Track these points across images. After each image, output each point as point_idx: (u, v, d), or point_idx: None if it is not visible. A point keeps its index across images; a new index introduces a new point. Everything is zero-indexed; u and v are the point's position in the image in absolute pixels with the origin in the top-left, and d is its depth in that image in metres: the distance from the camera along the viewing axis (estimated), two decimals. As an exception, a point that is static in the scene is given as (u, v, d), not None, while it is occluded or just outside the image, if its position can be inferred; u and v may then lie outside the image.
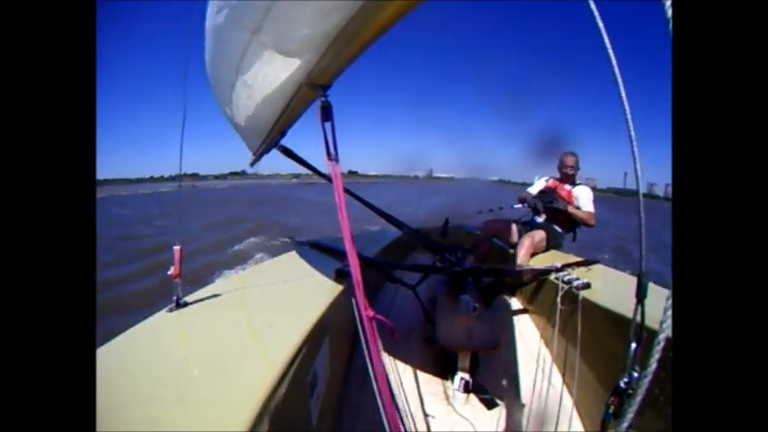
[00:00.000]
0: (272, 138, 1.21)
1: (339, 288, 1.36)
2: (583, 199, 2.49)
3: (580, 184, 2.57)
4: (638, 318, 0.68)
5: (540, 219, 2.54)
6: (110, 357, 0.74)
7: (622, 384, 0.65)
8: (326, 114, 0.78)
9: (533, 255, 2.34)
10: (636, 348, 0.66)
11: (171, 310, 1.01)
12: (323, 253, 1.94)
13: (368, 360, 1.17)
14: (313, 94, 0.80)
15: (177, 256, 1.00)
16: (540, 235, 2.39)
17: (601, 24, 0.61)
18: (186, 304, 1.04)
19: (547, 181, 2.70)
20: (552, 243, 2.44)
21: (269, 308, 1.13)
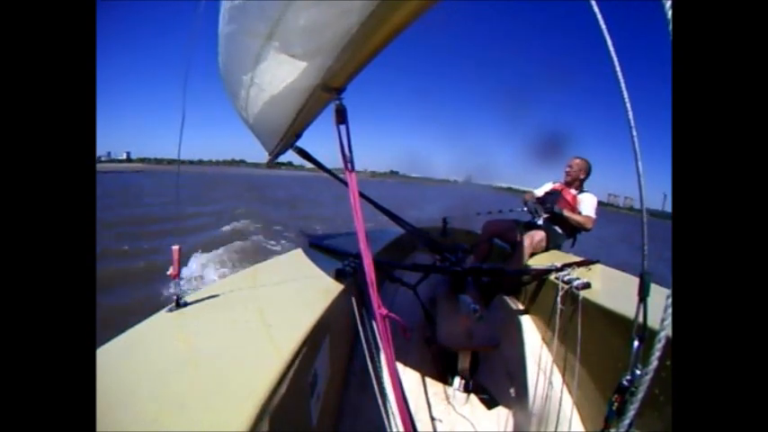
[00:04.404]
0: (287, 139, 1.23)
1: (339, 288, 1.35)
2: (586, 204, 2.50)
3: (587, 191, 2.58)
4: (641, 316, 0.68)
5: (540, 220, 2.55)
6: (110, 357, 0.74)
7: (625, 382, 0.65)
8: (341, 117, 0.80)
9: (533, 255, 2.35)
10: (639, 346, 0.67)
11: (171, 310, 1.00)
12: (323, 253, 1.94)
13: (368, 359, 1.16)
14: (328, 96, 0.81)
15: (176, 256, 1.00)
16: (539, 235, 2.40)
17: (603, 25, 0.62)
18: (186, 304, 1.04)
19: (554, 184, 2.71)
20: (552, 243, 2.45)
21: (269, 308, 1.13)
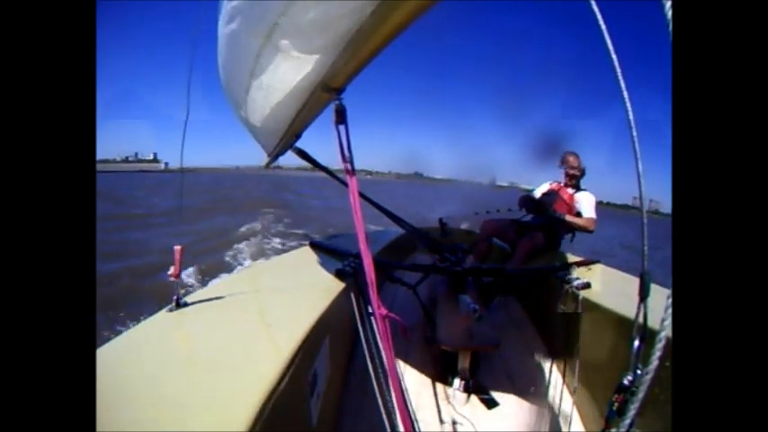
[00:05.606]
0: (287, 140, 1.23)
1: (339, 288, 1.36)
2: (584, 204, 2.45)
3: (584, 189, 2.53)
4: (641, 316, 0.68)
5: (541, 219, 2.54)
6: (110, 357, 0.74)
7: (626, 382, 0.65)
8: (341, 117, 0.80)
9: (533, 255, 2.35)
10: (639, 346, 0.67)
11: (171, 310, 1.00)
12: (323, 253, 1.94)
13: (368, 359, 1.16)
14: (327, 96, 0.81)
15: (177, 256, 1.00)
16: (539, 235, 2.40)
17: (603, 26, 0.62)
18: (186, 304, 1.04)
19: (551, 184, 2.68)
20: (551, 243, 2.44)
21: (269, 307, 1.13)
